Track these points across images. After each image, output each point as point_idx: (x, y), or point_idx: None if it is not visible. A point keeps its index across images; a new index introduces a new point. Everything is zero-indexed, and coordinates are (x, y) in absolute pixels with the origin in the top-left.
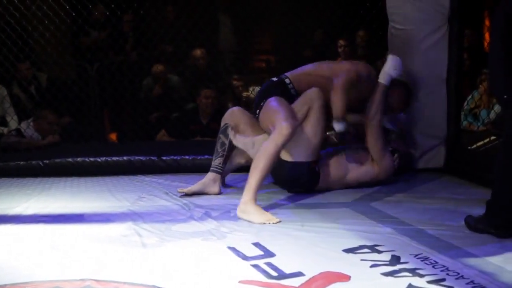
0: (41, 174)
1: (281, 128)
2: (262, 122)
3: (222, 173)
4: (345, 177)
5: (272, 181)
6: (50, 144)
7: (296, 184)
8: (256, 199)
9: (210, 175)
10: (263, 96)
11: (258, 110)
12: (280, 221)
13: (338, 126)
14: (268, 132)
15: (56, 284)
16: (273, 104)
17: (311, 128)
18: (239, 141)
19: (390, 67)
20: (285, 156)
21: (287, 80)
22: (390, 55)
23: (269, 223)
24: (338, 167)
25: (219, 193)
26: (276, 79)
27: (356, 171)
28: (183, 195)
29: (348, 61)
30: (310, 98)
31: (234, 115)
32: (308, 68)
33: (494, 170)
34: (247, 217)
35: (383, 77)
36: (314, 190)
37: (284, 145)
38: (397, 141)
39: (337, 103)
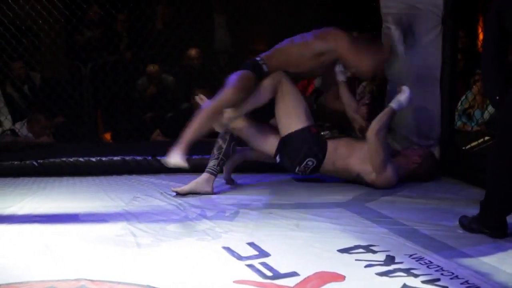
0: (35, 174)
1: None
2: None
3: (216, 175)
4: (350, 160)
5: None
6: (45, 143)
7: (305, 151)
8: (183, 149)
9: (204, 175)
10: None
11: None
12: (186, 167)
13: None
14: None
15: (51, 284)
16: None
17: (291, 99)
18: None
19: (406, 99)
20: (286, 131)
21: (258, 58)
22: (405, 87)
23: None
24: (348, 147)
25: (212, 193)
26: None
27: (359, 161)
28: (176, 194)
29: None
30: (274, 77)
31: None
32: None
33: (487, 170)
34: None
35: (396, 104)
36: (323, 162)
37: (220, 107)
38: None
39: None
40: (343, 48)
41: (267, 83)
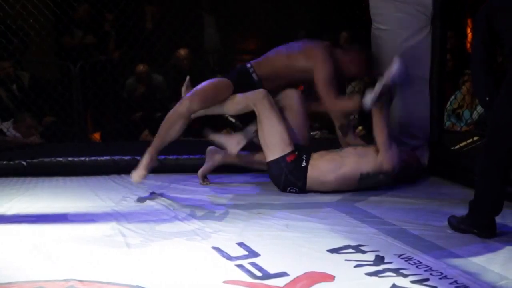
0: (24, 174)
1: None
2: None
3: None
4: (340, 169)
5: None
6: (34, 143)
7: (283, 181)
8: (153, 153)
9: (239, 136)
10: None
11: None
12: (139, 182)
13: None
14: None
15: (39, 284)
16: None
17: (267, 126)
18: None
19: (395, 70)
20: (266, 158)
21: (248, 65)
22: (396, 59)
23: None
24: (331, 162)
25: (234, 156)
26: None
27: (355, 163)
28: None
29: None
30: (252, 98)
31: None
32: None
33: (476, 170)
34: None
35: (385, 78)
36: (306, 187)
37: (183, 114)
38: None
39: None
40: (317, 72)
41: (241, 99)
